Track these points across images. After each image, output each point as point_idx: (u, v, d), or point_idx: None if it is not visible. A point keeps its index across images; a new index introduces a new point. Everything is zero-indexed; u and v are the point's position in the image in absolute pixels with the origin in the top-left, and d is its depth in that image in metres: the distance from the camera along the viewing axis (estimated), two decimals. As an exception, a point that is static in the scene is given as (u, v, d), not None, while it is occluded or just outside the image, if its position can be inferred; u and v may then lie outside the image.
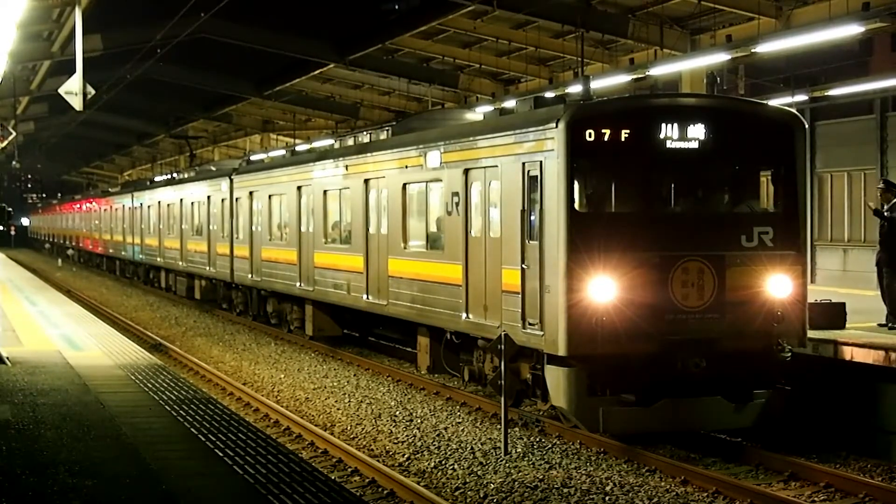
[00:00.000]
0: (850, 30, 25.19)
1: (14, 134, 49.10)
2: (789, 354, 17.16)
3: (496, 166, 19.12)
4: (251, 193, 34.98)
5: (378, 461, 17.10)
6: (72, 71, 24.01)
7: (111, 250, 63.67)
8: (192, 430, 15.69)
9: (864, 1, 25.98)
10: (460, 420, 20.45)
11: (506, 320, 18.49)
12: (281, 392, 24.07)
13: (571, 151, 16.62)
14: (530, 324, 17.62)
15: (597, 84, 24.93)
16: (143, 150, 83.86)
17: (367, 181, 25.55)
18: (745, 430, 17.81)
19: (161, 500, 11.87)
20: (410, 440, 18.87)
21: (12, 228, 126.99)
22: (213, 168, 45.96)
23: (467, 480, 16.12)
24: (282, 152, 41.67)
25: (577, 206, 16.86)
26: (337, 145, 29.91)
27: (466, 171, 20.30)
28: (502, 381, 17.89)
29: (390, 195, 24.18)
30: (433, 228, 22.65)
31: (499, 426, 18.17)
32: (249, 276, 34.92)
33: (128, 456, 13.94)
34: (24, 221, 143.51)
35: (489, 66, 40.35)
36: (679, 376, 16.65)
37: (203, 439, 15.03)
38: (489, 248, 19.50)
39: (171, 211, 46.18)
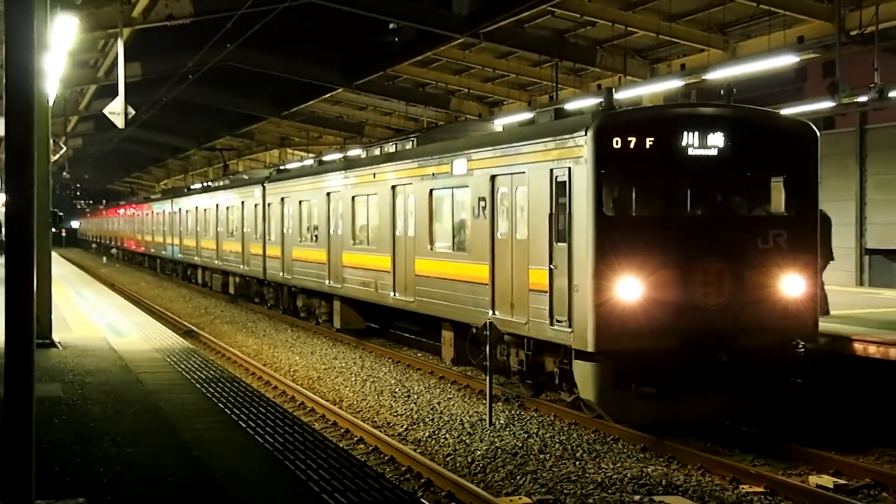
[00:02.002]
0: (787, 59, 25.19)
1: (65, 149, 49.31)
2: (803, 350, 16.36)
3: (523, 172, 18.15)
4: (282, 199, 34.22)
5: (380, 431, 17.14)
6: (115, 94, 24.03)
7: (152, 250, 63.21)
8: (219, 405, 15.65)
9: (799, 35, 26.04)
10: (451, 396, 20.48)
11: (533, 317, 17.60)
12: (296, 372, 24.08)
13: (599, 158, 15.73)
14: (558, 321, 16.70)
15: (568, 107, 23.71)
16: (176, 163, 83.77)
17: (394, 187, 24.52)
18: (760, 421, 16.89)
19: (191, 464, 11.84)
20: (408, 413, 18.90)
21: (63, 230, 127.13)
22: (246, 177, 45.86)
23: (457, 448, 16.16)
24: (309, 163, 41.27)
25: (604, 210, 15.84)
26: (364, 155, 29.04)
27: (493, 178, 19.40)
28: (488, 362, 17.91)
29: (417, 200, 23.22)
30: (459, 231, 21.57)
31: (484, 401, 18.22)
32: (281, 273, 34.15)
33: (163, 428, 13.91)
34: (74, 224, 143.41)
35: (476, 90, 40.45)
36: (699, 370, 15.73)
37: (228, 413, 15.00)
38: (516, 249, 18.53)
39: (208, 215, 45.74)
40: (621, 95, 29.23)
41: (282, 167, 44.90)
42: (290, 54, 41.07)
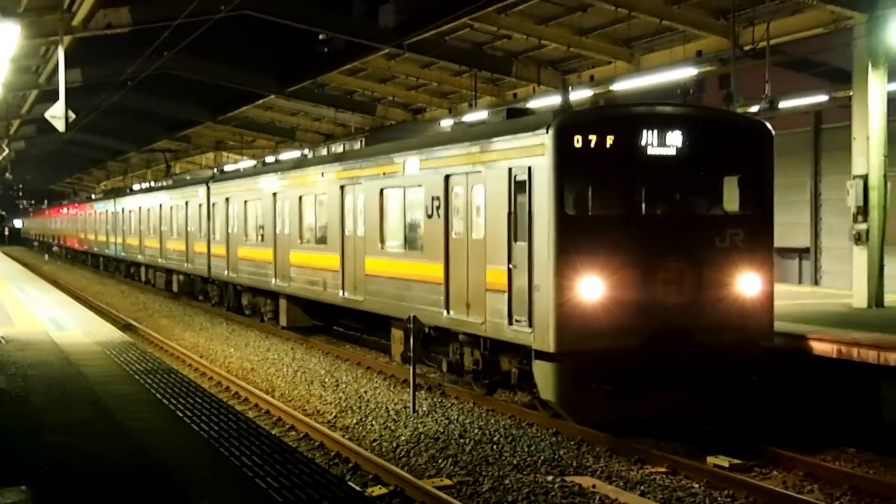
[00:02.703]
0: (687, 72, 25.53)
1: (7, 151, 48.42)
2: (760, 348, 15.74)
3: (479, 171, 16.76)
4: (227, 199, 32.18)
5: (310, 419, 17.07)
6: (56, 99, 23.63)
7: (95, 248, 61.51)
8: (157, 395, 15.50)
9: (698, 49, 26.36)
10: (377, 385, 20.44)
11: (490, 317, 16.33)
12: (231, 363, 23.88)
13: (560, 156, 14.51)
14: (517, 321, 15.50)
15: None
16: (116, 165, 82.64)
17: (343, 187, 22.79)
18: (719, 419, 16.06)
19: (131, 452, 11.71)
20: (337, 402, 18.84)
21: (6, 230, 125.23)
22: (189, 177, 44.49)
23: (383, 433, 16.13)
24: (253, 163, 39.97)
25: (566, 209, 14.63)
26: (311, 155, 27.19)
27: (447, 177, 17.93)
28: (412, 353, 17.90)
29: (367, 200, 21.53)
30: (412, 231, 19.88)
31: (408, 390, 18.18)
32: (226, 272, 32.17)
33: (104, 417, 13.74)
34: (17, 223, 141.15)
35: (401, 98, 40.42)
36: (661, 369, 14.80)
37: (166, 403, 14.85)
38: (472, 249, 17.13)
39: (151, 215, 44.04)
40: (534, 104, 29.39)
41: (225, 167, 43.96)
42: (225, 62, 40.74)
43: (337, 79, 38.31)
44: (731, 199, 16.29)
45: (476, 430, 16.20)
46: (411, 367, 17.99)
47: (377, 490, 12.93)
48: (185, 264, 37.72)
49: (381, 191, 20.94)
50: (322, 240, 24.35)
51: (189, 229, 37.24)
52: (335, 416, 17.59)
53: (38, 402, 14.77)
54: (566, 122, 14.86)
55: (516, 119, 17.07)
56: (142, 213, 45.92)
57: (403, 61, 33.98)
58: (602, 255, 14.67)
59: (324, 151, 25.96)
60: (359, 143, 23.48)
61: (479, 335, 17.11)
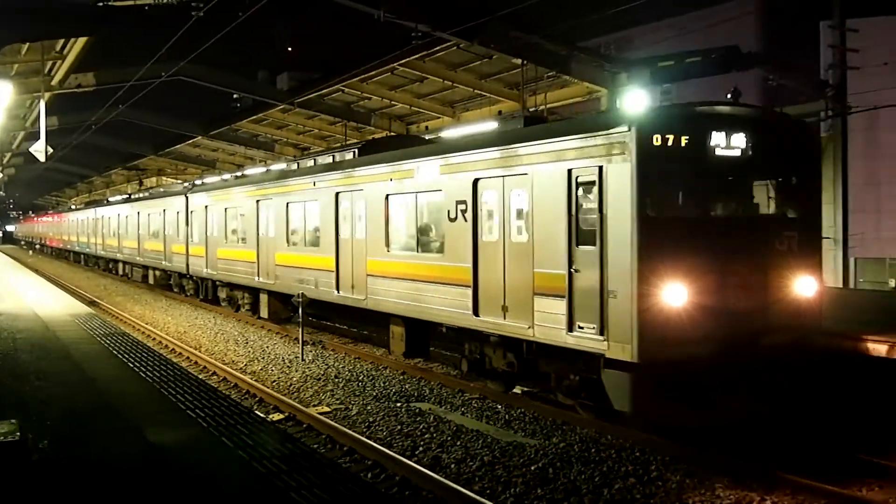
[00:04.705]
0: (491, 125, 25.85)
1: (2, 175, 46.05)
2: (813, 348, 11.70)
3: (524, 174, 12.12)
4: (206, 207, 26.71)
5: (227, 367, 16.65)
6: (38, 138, 22.84)
7: (77, 248, 56.04)
8: (114, 352, 14.91)
9: (499, 109, 26.79)
10: (276, 342, 20.08)
11: (540, 322, 11.71)
12: (169, 328, 23.10)
13: (643, 155, 10.36)
14: (580, 327, 11.05)
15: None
16: (84, 185, 79.32)
17: (338, 194, 17.63)
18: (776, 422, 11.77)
19: (95, 393, 11.24)
20: (247, 354, 18.44)
21: (1, 233, 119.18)
22: (163, 189, 40.87)
23: (280, 376, 15.88)
24: (228, 176, 35.16)
25: (648, 210, 10.42)
26: (294, 167, 21.60)
27: (476, 182, 13.19)
28: (300, 320, 17.66)
29: (369, 205, 16.46)
30: (425, 234, 15.11)
31: (299, 345, 17.96)
32: (205, 269, 26.79)
33: (74, 368, 13.15)
34: (10, 228, 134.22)
35: (292, 140, 39.94)
36: (734, 374, 10.78)
37: (120, 357, 14.30)
38: (512, 252, 12.43)
39: (129, 220, 38.97)
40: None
41: (196, 181, 38.98)
42: (165, 112, 39.83)
43: (246, 126, 37.78)
44: (787, 201, 12.10)
45: (347, 372, 16.10)
46: (300, 330, 17.76)
47: (276, 416, 12.75)
48: (163, 262, 33.08)
49: (387, 196, 15.95)
50: (313, 242, 19.17)
51: (167, 232, 32.66)
52: (245, 365, 17.22)
53: (25, 357, 14.04)
54: (648, 120, 10.75)
55: (582, 118, 13.03)
56: (120, 219, 41.56)
57: (294, 114, 33.68)
58: (683, 259, 10.55)
59: (310, 163, 20.58)
60: (351, 153, 18.56)
61: (520, 338, 12.34)
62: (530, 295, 11.92)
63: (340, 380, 15.44)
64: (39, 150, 22.46)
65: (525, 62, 22.27)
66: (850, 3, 26.33)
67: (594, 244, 10.87)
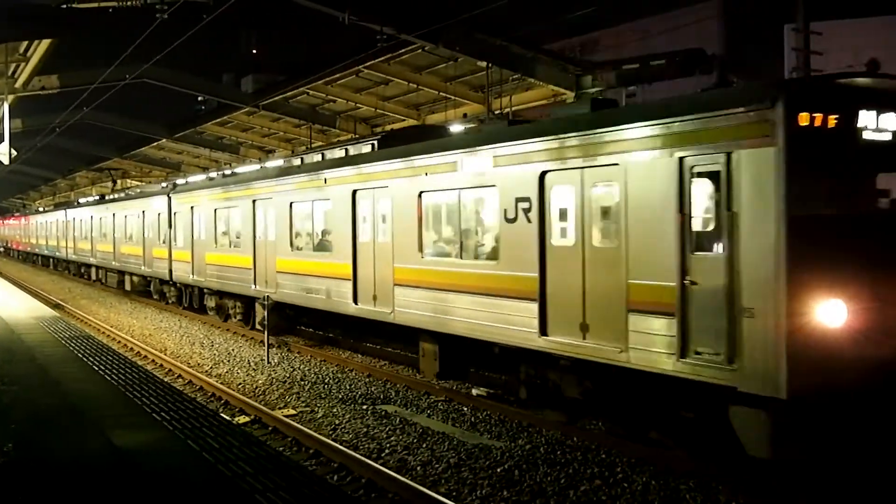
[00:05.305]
0: (457, 127, 25.95)
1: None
2: None
3: (615, 164, 9.83)
4: (192, 208, 23.92)
5: (193, 370, 16.59)
6: (2, 140, 22.58)
7: (45, 251, 53.84)
8: (79, 354, 14.77)
9: (464, 112, 26.92)
10: (241, 345, 20.03)
11: (638, 345, 9.49)
12: (134, 331, 22.94)
13: (791, 140, 8.04)
14: (697, 353, 8.86)
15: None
16: (47, 188, 78.22)
17: (355, 191, 15.31)
18: None
19: (60, 395, 11.15)
20: (212, 357, 18.38)
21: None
22: (140, 190, 38.73)
23: (245, 379, 15.86)
24: (214, 175, 32.41)
25: (797, 209, 8.11)
26: (297, 163, 18.89)
27: (543, 174, 10.93)
28: (266, 322, 17.64)
29: (397, 203, 14.06)
30: (467, 237, 12.93)
31: (265, 347, 17.93)
32: (191, 276, 24.07)
33: (39, 371, 13.02)
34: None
35: (257, 143, 39.71)
36: (887, 407, 8.47)
37: (85, 360, 14.18)
38: (592, 259, 10.24)
39: (104, 222, 36.53)
40: (354, 150, 29.36)
41: (179, 180, 36.23)
42: (129, 115, 39.46)
43: (211, 128, 37.52)
44: None
45: (312, 375, 16.11)
46: (265, 333, 17.73)
47: (242, 419, 12.74)
48: (143, 267, 29.78)
49: (420, 194, 13.56)
50: (324, 247, 16.78)
51: (147, 235, 29.20)
52: (211, 367, 17.16)
53: (-13, 362, 13.88)
54: (799, 95, 8.31)
55: (680, 98, 9.95)
56: (93, 221, 39.10)
57: (259, 117, 33.54)
58: (841, 268, 8.32)
59: (316, 158, 18.13)
60: (368, 146, 16.30)
61: (607, 363, 10.09)
62: (623, 311, 9.71)
63: (306, 382, 15.44)
64: (3, 152, 22.26)
65: (490, 65, 22.41)
66: (814, 6, 26.82)
67: (719, 250, 8.71)
